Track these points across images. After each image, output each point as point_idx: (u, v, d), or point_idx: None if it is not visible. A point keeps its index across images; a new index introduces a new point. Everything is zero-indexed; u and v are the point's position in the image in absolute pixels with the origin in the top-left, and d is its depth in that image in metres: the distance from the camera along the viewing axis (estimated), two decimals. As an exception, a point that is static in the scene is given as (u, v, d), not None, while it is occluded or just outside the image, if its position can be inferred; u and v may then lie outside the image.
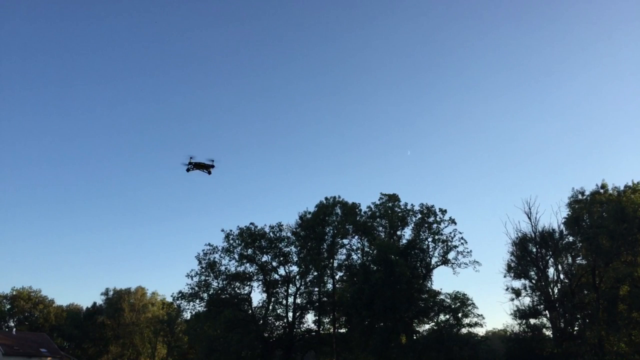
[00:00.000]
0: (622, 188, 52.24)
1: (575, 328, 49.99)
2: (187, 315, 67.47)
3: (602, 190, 53.21)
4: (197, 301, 56.80)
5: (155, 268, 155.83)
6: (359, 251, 55.16)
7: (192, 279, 56.77)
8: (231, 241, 57.08)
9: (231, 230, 57.28)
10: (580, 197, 53.62)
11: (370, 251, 52.83)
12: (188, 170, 43.15)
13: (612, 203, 50.51)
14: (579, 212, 52.53)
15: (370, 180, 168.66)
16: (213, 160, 42.93)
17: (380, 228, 55.09)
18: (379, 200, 55.05)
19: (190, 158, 42.26)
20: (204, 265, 56.96)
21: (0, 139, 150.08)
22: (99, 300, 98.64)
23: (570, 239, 52.38)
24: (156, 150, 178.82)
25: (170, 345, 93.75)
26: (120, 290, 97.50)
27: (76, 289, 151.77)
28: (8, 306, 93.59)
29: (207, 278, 57.08)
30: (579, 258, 52.10)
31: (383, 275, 44.68)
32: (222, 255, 57.23)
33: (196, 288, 56.67)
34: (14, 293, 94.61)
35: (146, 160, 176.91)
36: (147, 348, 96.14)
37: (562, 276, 51.93)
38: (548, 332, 49.69)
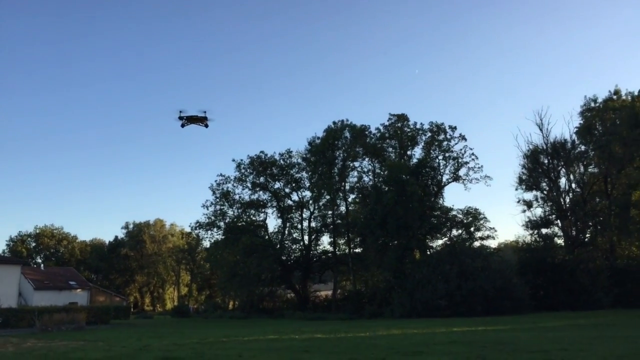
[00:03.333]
0: (636, 93, 50.99)
1: (587, 235, 50.89)
2: (206, 243, 70.12)
3: (615, 97, 52.08)
4: (215, 230, 58.56)
5: (170, 201, 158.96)
6: (370, 173, 55.43)
7: (207, 209, 58.17)
8: (242, 170, 57.69)
9: (242, 160, 57.74)
10: (592, 105, 52.63)
11: (381, 172, 52.96)
12: (183, 126, 40.32)
13: (626, 109, 49.62)
14: (591, 120, 51.84)
15: (378, 102, 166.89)
16: (205, 112, 40.00)
17: (390, 149, 54.87)
18: (387, 121, 54.34)
19: (180, 112, 39.29)
20: (218, 195, 58.04)
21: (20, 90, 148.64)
22: (120, 234, 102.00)
23: (582, 148, 52.08)
24: (165, 89, 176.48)
25: (193, 272, 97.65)
26: (140, 223, 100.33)
27: (96, 225, 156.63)
28: (33, 244, 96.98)
29: (222, 207, 58.36)
30: (591, 167, 52.05)
31: (395, 195, 45.06)
32: (235, 184, 58.14)
33: (212, 217, 58.13)
34: (38, 231, 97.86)
35: (156, 98, 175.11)
36: (172, 276, 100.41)
37: (573, 185, 52.18)
38: (560, 241, 50.78)
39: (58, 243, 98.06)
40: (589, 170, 52.11)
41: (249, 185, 57.96)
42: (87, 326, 35.09)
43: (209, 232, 58.90)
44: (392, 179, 47.14)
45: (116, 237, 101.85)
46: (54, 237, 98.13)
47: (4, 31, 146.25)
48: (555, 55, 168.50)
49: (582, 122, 52.58)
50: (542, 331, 21.07)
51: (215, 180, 58.26)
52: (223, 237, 57.85)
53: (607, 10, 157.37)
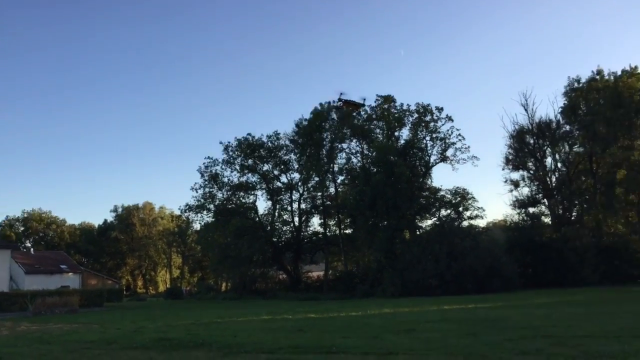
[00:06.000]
0: (619, 73, 51.42)
1: (574, 214, 51.78)
2: (196, 226, 70.19)
3: (598, 77, 52.42)
4: (205, 212, 58.56)
5: (159, 184, 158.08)
6: (358, 154, 55.59)
7: (197, 192, 58.10)
8: (230, 153, 57.50)
9: (229, 142, 57.54)
10: (576, 85, 53.01)
11: (370, 153, 53.18)
12: (338, 107, 51.79)
13: (609, 89, 50.17)
14: (575, 100, 52.33)
15: (365, 83, 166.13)
16: (365, 100, 50.97)
17: (378, 130, 55.03)
18: (374, 102, 54.39)
19: (341, 94, 49.45)
20: (206, 178, 57.93)
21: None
22: (109, 217, 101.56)
23: (567, 127, 52.71)
24: (153, 72, 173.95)
25: (184, 254, 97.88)
26: (129, 207, 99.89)
27: (84, 208, 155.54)
28: (22, 228, 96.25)
29: (211, 190, 58.34)
30: (576, 146, 52.71)
31: (383, 176, 45.38)
32: (223, 167, 57.96)
33: (202, 200, 58.11)
34: (25, 215, 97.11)
35: (143, 81, 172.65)
36: (163, 258, 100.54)
37: (559, 165, 52.91)
38: (547, 220, 51.60)
39: (47, 227, 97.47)
40: (574, 149, 52.77)
41: (237, 167, 57.86)
42: (80, 309, 35.17)
43: (199, 214, 58.91)
44: (380, 160, 47.42)
45: (105, 220, 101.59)
46: (42, 221, 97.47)
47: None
48: (540, 36, 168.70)
49: (566, 102, 53.04)
50: (531, 308, 21.61)
51: (204, 163, 58.13)
52: (213, 219, 57.90)
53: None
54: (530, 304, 23.97)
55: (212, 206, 58.04)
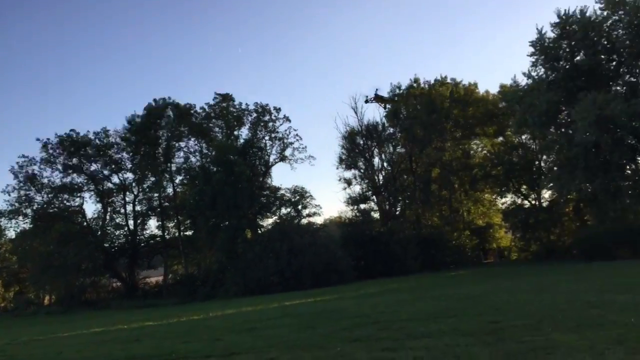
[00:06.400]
0: (432, 82, 58.10)
1: (398, 209, 57.01)
2: (10, 233, 61.85)
3: (415, 85, 58.56)
4: (21, 218, 51.81)
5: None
6: (197, 153, 54.30)
7: (9, 195, 51.09)
8: (50, 151, 51.74)
9: (49, 139, 51.68)
10: (398, 91, 58.52)
11: (209, 152, 52.51)
12: (367, 101, 57.53)
13: (424, 96, 56.39)
14: (397, 105, 57.68)
15: (202, 80, 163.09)
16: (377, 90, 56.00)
17: (217, 129, 54.52)
18: (213, 100, 53.75)
19: (377, 90, 56.21)
20: (21, 179, 51.26)
21: None
22: None
23: (391, 130, 57.81)
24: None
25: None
26: None
27: None
28: None
29: (27, 192, 51.73)
30: (398, 147, 58.10)
31: (223, 176, 45.17)
32: (42, 166, 51.78)
33: (16, 204, 51.30)
34: None
35: None
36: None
37: (385, 164, 57.75)
38: (376, 215, 56.08)
39: None
40: (397, 150, 58.07)
41: (59, 167, 52.16)
42: None
43: (13, 220, 52.03)
44: (220, 159, 47.15)
45: None
46: None
47: None
48: (369, 43, 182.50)
49: (389, 106, 58.22)
50: (363, 298, 23.23)
51: (18, 162, 51.22)
52: (32, 225, 51.73)
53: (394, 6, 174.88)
54: (362, 294, 25.73)
55: (29, 211, 51.63)
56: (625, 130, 32.79)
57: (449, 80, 57.88)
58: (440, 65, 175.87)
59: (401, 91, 58.26)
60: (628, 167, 36.25)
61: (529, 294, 16.11)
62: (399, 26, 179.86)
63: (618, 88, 36.22)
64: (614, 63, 36.88)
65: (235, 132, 54.04)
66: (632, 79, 36.49)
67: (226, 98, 53.61)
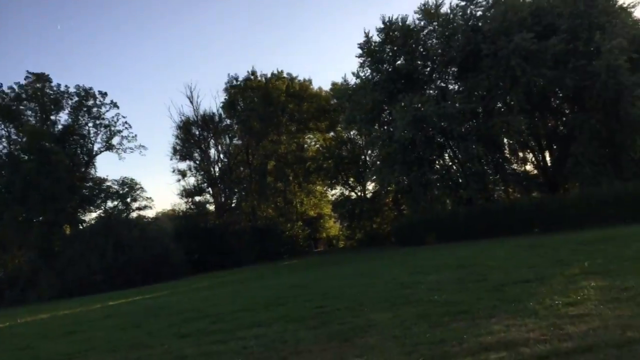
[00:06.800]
0: (269, 75, 58.99)
1: (234, 201, 56.89)
2: None
3: (252, 77, 58.87)
4: None
5: None
6: (3, 139, 47.66)
7: None
8: None
9: None
10: (235, 82, 58.20)
11: (19, 139, 46.55)
12: None
13: (261, 89, 57.01)
14: (234, 96, 57.48)
15: (11, 58, 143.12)
16: None
17: (30, 112, 48.38)
18: (25, 80, 47.55)
19: None
20: None
21: None
22: None
23: (228, 121, 57.44)
24: None
25: None
26: None
27: None
28: None
29: None
30: (235, 139, 57.98)
31: (37, 165, 40.96)
32: None
33: None
34: None
35: None
36: None
37: (222, 156, 57.16)
38: (211, 207, 55.28)
39: None
40: (234, 142, 57.93)
41: None
42: None
43: None
44: (32, 146, 42.41)
45: None
46: None
47: None
48: (205, 30, 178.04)
49: (226, 97, 57.65)
50: (195, 292, 22.74)
51: None
52: None
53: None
54: (195, 288, 25.19)
55: None
56: (436, 130, 36.93)
57: (285, 75, 59.16)
58: (277, 60, 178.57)
59: (238, 82, 58.06)
60: (437, 162, 40.86)
61: (352, 279, 17.29)
62: (239, 15, 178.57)
63: (431, 91, 40.50)
64: (428, 69, 41.15)
65: (53, 117, 48.59)
66: (442, 84, 41.19)
67: (41, 78, 47.77)
